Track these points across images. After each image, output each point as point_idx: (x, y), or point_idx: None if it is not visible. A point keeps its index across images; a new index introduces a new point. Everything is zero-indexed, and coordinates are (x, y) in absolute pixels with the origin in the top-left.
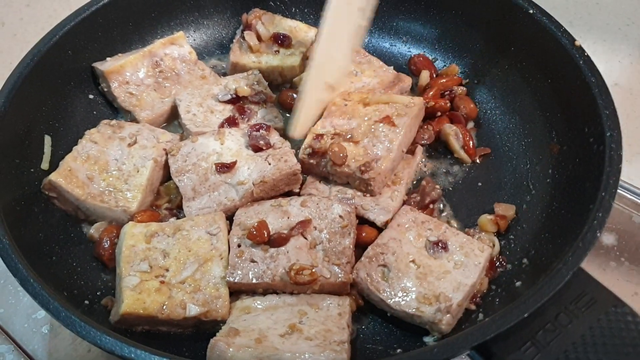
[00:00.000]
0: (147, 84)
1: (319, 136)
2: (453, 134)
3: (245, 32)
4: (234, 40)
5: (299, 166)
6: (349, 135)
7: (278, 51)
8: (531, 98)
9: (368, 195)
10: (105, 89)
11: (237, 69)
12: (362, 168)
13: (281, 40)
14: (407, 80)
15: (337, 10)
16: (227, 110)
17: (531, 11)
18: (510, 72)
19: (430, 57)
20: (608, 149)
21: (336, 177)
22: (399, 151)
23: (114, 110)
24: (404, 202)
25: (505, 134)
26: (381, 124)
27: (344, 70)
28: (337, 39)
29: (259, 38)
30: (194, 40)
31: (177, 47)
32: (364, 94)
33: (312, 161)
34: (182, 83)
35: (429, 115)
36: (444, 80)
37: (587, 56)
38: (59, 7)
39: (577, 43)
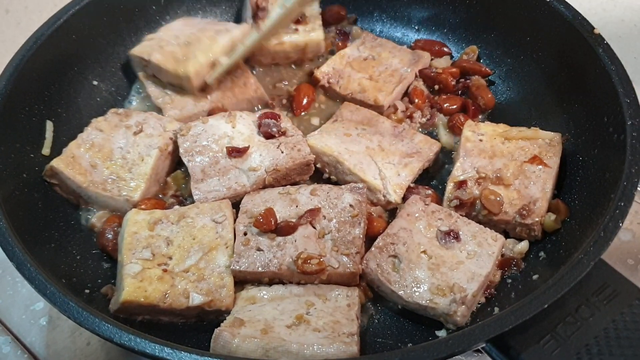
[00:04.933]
0: None
1: (462, 183)
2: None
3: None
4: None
5: (312, 156)
6: (495, 176)
7: (297, 29)
8: (547, 89)
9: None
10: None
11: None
12: (524, 212)
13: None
14: (425, 56)
15: None
16: None
17: None
18: (526, 62)
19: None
20: (630, 137)
21: (490, 225)
22: (552, 191)
23: (118, 97)
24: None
25: (520, 125)
26: (531, 165)
27: None
28: None
29: None
30: None
31: None
32: (498, 126)
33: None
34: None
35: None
36: (466, 65)
37: (607, 44)
38: None
39: (595, 31)
